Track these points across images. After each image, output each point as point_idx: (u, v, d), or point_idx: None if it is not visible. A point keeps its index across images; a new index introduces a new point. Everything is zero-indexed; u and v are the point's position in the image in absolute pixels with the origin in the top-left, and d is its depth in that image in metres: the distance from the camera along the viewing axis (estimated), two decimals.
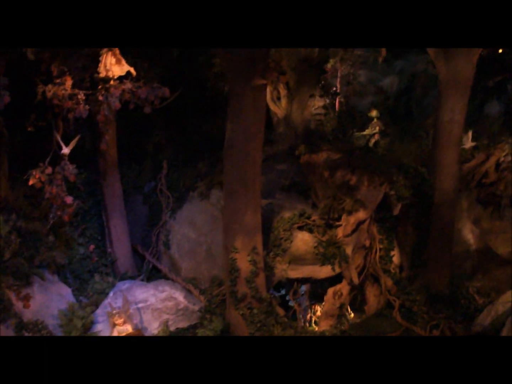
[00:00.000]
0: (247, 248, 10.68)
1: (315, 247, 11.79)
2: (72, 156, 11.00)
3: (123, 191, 12.67)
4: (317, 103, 13.63)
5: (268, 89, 13.76)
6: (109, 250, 12.52)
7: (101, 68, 9.74)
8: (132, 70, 9.87)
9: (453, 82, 11.84)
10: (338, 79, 15.39)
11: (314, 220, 11.99)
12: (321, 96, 13.77)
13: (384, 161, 12.19)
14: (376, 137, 13.44)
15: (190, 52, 13.12)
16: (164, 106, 12.85)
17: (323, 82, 14.55)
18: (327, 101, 14.80)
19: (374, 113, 13.73)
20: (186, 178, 13.02)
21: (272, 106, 13.73)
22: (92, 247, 12.45)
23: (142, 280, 12.20)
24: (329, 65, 12.88)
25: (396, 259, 12.71)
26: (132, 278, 12.21)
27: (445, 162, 12.18)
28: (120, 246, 12.46)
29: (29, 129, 11.63)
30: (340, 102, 15.44)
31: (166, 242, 12.59)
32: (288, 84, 13.57)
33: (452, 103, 11.89)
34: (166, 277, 12.28)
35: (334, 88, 15.42)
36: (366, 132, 13.72)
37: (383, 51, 12.54)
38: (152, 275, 12.49)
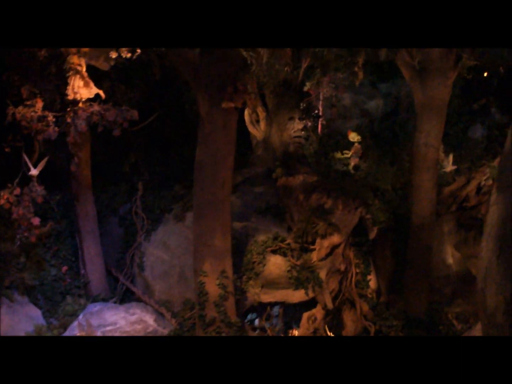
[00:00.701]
0: (216, 271, 10.49)
1: (288, 271, 11.60)
2: (46, 177, 10.93)
3: (98, 213, 12.56)
4: (297, 126, 13.50)
5: (247, 112, 13.74)
6: (82, 271, 12.36)
7: (69, 91, 9.67)
8: (101, 92, 9.79)
9: (429, 105, 11.70)
10: (320, 102, 15.27)
11: (288, 244, 11.82)
12: (300, 119, 13.65)
13: (360, 185, 12.03)
14: (356, 160, 13.28)
15: (170, 75, 13.08)
16: (142, 127, 12.89)
17: (304, 105, 14.45)
18: (309, 124, 14.68)
19: (353, 136, 13.57)
20: (161, 200, 12.90)
21: (251, 129, 13.64)
22: (65, 268, 12.30)
23: (115, 302, 12.02)
24: (305, 88, 12.80)
25: (373, 283, 12.48)
26: (105, 300, 12.03)
27: (422, 186, 11.99)
28: (93, 268, 12.31)
29: (6, 149, 11.60)
30: (322, 125, 15.31)
31: (140, 264, 12.43)
32: (267, 107, 13.50)
33: (428, 126, 11.73)
34: (139, 300, 12.11)
35: (316, 111, 15.31)
36: (346, 155, 13.56)
37: (360, 74, 12.38)
38: (126, 297, 12.33)
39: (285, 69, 13.07)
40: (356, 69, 12.32)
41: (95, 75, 11.09)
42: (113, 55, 9.49)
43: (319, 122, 15.30)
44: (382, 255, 12.75)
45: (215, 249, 10.49)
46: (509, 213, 7.04)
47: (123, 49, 9.41)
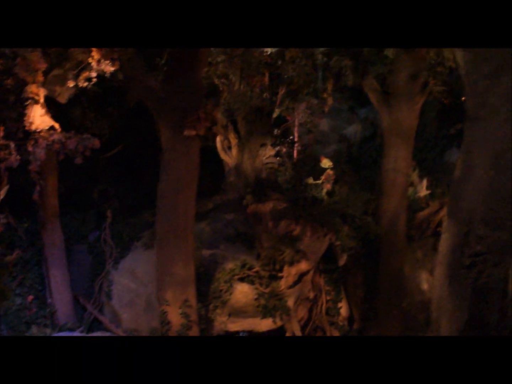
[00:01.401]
0: (178, 300, 10.24)
1: (256, 299, 11.37)
2: (15, 205, 10.80)
3: (67, 240, 12.33)
4: (269, 152, 13.36)
5: (219, 139, 13.63)
6: (48, 300, 12.09)
7: (26, 121, 9.57)
8: (56, 125, 9.64)
9: (396, 130, 11.59)
10: (296, 128, 15.16)
11: (257, 272, 11.60)
12: (273, 145, 13.52)
13: (329, 211, 11.82)
14: (328, 186, 13.09)
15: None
16: (113, 154, 12.80)
17: (279, 131, 14.35)
18: (284, 149, 14.55)
19: (325, 162, 13.41)
20: (131, 227, 12.69)
21: (223, 156, 13.51)
22: (30, 297, 12.02)
23: (82, 331, 11.73)
24: (275, 115, 12.69)
25: (344, 311, 12.23)
26: (72, 329, 11.73)
27: (391, 211, 11.81)
28: (60, 297, 12.04)
29: None
30: (298, 151, 15.17)
31: (108, 292, 12.16)
32: (239, 133, 13.38)
33: (395, 151, 11.61)
34: (107, 329, 11.83)
35: (291, 137, 15.20)
36: (318, 181, 13.38)
37: (329, 99, 12.33)
38: (94, 326, 12.02)
39: (260, 95, 13.13)
40: (325, 95, 12.27)
41: (65, 103, 11.09)
42: (71, 84, 9.45)
43: (295, 148, 15.18)
44: (354, 282, 12.51)
45: (177, 278, 10.25)
46: (459, 241, 6.85)
47: (80, 78, 9.37)
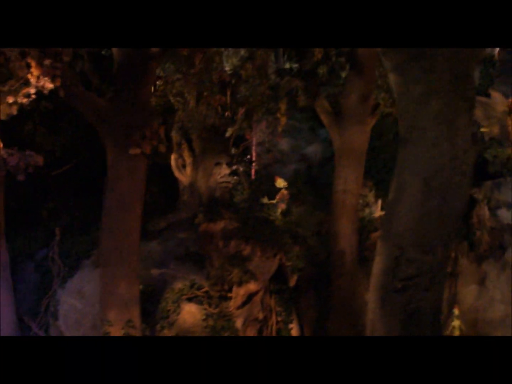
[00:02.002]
0: (121, 320, 9.98)
1: (203, 320, 11.13)
2: None
3: (14, 259, 12.00)
4: (223, 171, 13.22)
5: (173, 157, 13.47)
6: None
7: None
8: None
9: (347, 151, 11.54)
10: (253, 147, 15.07)
11: (206, 292, 11.39)
12: (228, 164, 13.38)
13: (280, 231, 11.69)
14: (282, 206, 12.99)
15: None
16: (64, 171, 12.55)
17: (236, 149, 14.23)
18: (241, 169, 14.42)
19: (280, 182, 13.31)
20: (80, 245, 12.42)
21: (177, 174, 13.33)
22: None
23: None
24: (228, 134, 12.59)
25: (295, 332, 12.02)
26: None
27: (341, 232, 11.71)
28: (4, 316, 11.65)
29: None
30: (256, 170, 15.06)
31: (54, 312, 11.82)
32: (194, 152, 13.23)
33: (346, 172, 11.55)
34: None
35: (248, 156, 15.10)
36: (272, 201, 13.27)
37: (283, 119, 12.25)
38: None
39: (216, 114, 13.03)
40: (278, 115, 12.20)
41: (16, 117, 10.84)
42: (10, 99, 9.22)
43: (253, 167, 15.08)
44: (306, 303, 12.35)
45: (121, 298, 10.02)
46: (391, 264, 6.74)
47: (19, 94, 9.15)
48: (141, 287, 11.33)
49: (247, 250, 11.41)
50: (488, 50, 14.62)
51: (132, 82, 10.04)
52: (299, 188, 14.19)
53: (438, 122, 6.34)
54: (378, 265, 7.12)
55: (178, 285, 11.48)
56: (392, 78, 6.86)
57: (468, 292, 14.29)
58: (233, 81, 11.88)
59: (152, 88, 12.97)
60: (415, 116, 6.45)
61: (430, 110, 6.35)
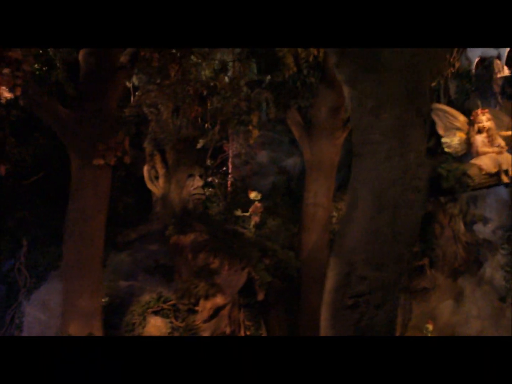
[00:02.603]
0: (81, 334, 9.71)
1: (169, 333, 10.87)
2: None
3: None
4: (196, 183, 13.04)
5: (146, 168, 13.28)
6: None
7: None
8: None
9: (317, 165, 11.36)
10: (230, 159, 14.88)
11: (173, 305, 11.14)
12: (201, 176, 13.21)
13: (249, 244, 11.45)
14: (256, 219, 12.78)
15: None
16: (34, 181, 12.35)
17: (211, 161, 14.07)
18: (217, 180, 14.24)
19: (253, 195, 13.11)
20: (48, 256, 12.18)
21: (150, 185, 13.14)
22: None
23: None
24: (199, 145, 12.39)
25: None
26: None
27: (312, 246, 11.50)
28: None
29: None
30: (232, 182, 14.85)
31: (19, 324, 11.56)
32: (167, 163, 13.04)
33: (316, 186, 11.36)
34: None
35: (224, 168, 14.91)
36: (245, 214, 13.07)
37: (254, 132, 12.04)
38: None
39: (190, 125, 12.85)
40: (250, 127, 12.02)
41: None
42: None
43: (229, 179, 14.87)
44: (275, 316, 12.08)
45: (82, 310, 9.77)
46: (342, 280, 6.54)
47: None
48: (107, 299, 11.13)
49: (215, 263, 11.17)
50: (465, 63, 14.55)
51: (98, 92, 9.88)
52: (275, 201, 14.00)
53: (390, 136, 6.17)
54: (329, 281, 6.91)
55: (146, 297, 11.24)
56: (346, 91, 6.70)
57: (444, 308, 14.07)
58: (205, 93, 11.70)
59: (132, 98, 12.85)
60: (367, 130, 6.28)
61: (382, 124, 6.18)
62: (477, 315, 13.78)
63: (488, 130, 7.12)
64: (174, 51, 11.34)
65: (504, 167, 6.83)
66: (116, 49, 10.12)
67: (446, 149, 7.28)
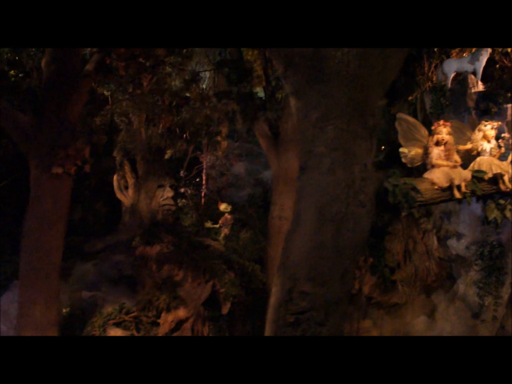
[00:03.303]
0: None
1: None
2: None
3: None
4: (166, 194, 12.80)
5: (115, 178, 13.06)
6: None
7: None
8: None
9: (284, 177, 11.15)
10: (204, 170, 14.66)
11: (136, 317, 10.86)
12: (171, 186, 12.97)
13: (214, 257, 11.20)
14: (225, 230, 12.55)
15: None
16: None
17: (183, 172, 13.86)
18: (189, 191, 14.01)
19: (223, 207, 12.90)
20: (10, 265, 11.92)
21: (119, 195, 12.91)
22: None
23: None
24: (166, 156, 12.18)
25: None
26: None
27: (276, 259, 11.22)
28: None
29: None
30: (205, 194, 14.63)
31: None
32: (137, 173, 12.82)
33: (282, 199, 11.15)
34: None
35: (198, 179, 14.69)
36: (215, 225, 12.85)
37: (223, 143, 11.88)
38: None
39: (160, 135, 12.66)
40: (219, 138, 11.84)
41: None
42: None
43: (203, 191, 14.66)
44: (241, 330, 11.84)
45: (37, 321, 9.45)
46: (284, 296, 6.30)
47: None
48: (68, 309, 10.88)
49: (179, 275, 10.93)
50: (441, 78, 14.39)
51: (59, 99, 9.66)
52: (247, 213, 13.77)
53: (333, 148, 5.96)
54: (273, 297, 6.66)
55: (108, 309, 10.97)
56: (292, 102, 6.52)
57: (417, 324, 13.82)
58: (174, 103, 11.53)
59: (110, 106, 12.67)
60: (312, 142, 6.07)
61: (325, 136, 5.98)
62: (450, 331, 13.52)
63: (446, 143, 6.87)
64: (143, 60, 11.19)
65: (457, 182, 6.59)
66: (79, 56, 9.94)
67: (403, 160, 7.07)
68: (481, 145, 6.98)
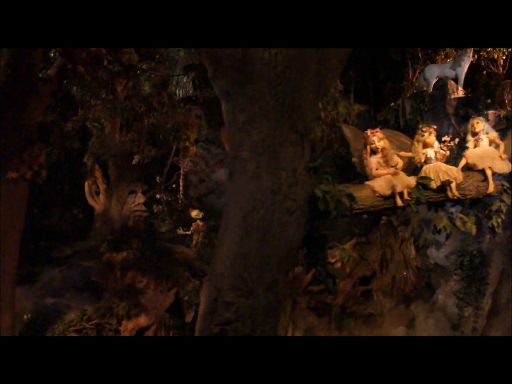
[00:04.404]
0: None
1: None
2: None
3: None
4: (138, 200, 12.56)
5: (87, 184, 12.86)
6: None
7: None
8: None
9: None
10: (181, 176, 14.40)
11: (97, 324, 10.60)
12: (143, 192, 12.73)
13: (177, 264, 10.92)
14: (196, 237, 12.27)
15: None
16: None
17: (160, 178, 13.62)
18: (164, 197, 13.75)
19: (194, 213, 12.62)
20: None
21: (90, 201, 12.70)
22: None
23: None
24: (134, 162, 11.90)
25: None
26: None
27: None
28: None
29: None
30: (181, 200, 14.35)
31: None
32: (108, 179, 12.61)
33: None
34: None
35: (174, 185, 14.43)
36: (187, 232, 12.57)
37: (192, 149, 11.61)
38: None
39: (133, 141, 12.46)
40: (187, 144, 11.59)
41: None
42: None
43: (180, 197, 14.39)
44: None
45: None
46: (210, 306, 6.02)
47: None
48: (29, 316, 10.67)
49: (142, 282, 10.67)
50: (423, 83, 14.03)
51: (16, 104, 9.49)
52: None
53: (258, 153, 5.66)
54: (201, 306, 6.42)
55: (71, 315, 10.74)
56: (222, 105, 6.27)
57: (395, 335, 13.37)
58: (142, 109, 11.30)
59: (82, 111, 12.50)
60: (238, 147, 5.78)
61: (251, 140, 5.68)
62: None
63: (383, 150, 6.48)
64: (109, 65, 11.01)
65: (399, 189, 6.22)
66: (37, 61, 9.76)
67: (358, 170, 6.75)
68: (424, 154, 6.62)
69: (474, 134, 7.01)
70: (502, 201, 7.25)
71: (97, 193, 12.64)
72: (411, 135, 7.09)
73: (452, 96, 13.08)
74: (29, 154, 9.38)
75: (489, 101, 12.94)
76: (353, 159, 6.78)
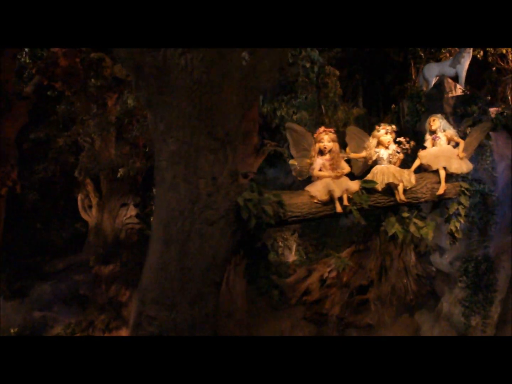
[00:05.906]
0: None
1: None
2: None
3: None
4: (130, 213, 12.52)
5: (79, 198, 12.94)
6: None
7: None
8: None
9: None
10: None
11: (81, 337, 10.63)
12: (135, 205, 12.69)
13: None
14: None
15: None
16: None
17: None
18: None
19: None
20: None
21: (83, 215, 12.73)
22: None
23: None
24: (119, 174, 11.87)
25: None
26: None
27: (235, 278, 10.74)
28: None
29: None
30: None
31: None
32: (100, 192, 12.65)
33: None
34: None
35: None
36: None
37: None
38: None
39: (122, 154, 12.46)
40: None
41: None
42: None
43: None
44: None
45: None
46: (136, 320, 5.89)
47: None
48: (16, 329, 10.78)
49: (126, 296, 10.63)
50: (422, 83, 13.49)
51: None
52: None
53: (175, 162, 5.50)
54: (130, 320, 6.31)
55: (57, 329, 10.81)
56: (148, 114, 6.15)
57: None
58: (126, 121, 11.33)
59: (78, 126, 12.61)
60: (158, 156, 5.65)
61: (168, 149, 5.53)
62: None
63: (331, 152, 6.13)
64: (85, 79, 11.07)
65: (337, 194, 5.86)
66: (10, 77, 9.90)
67: (293, 173, 6.40)
68: (377, 152, 6.24)
69: (432, 132, 6.61)
70: (460, 203, 6.79)
71: (90, 206, 12.74)
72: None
73: (450, 95, 12.52)
74: (3, 171, 9.51)
75: (489, 98, 12.32)
76: (291, 161, 6.38)
